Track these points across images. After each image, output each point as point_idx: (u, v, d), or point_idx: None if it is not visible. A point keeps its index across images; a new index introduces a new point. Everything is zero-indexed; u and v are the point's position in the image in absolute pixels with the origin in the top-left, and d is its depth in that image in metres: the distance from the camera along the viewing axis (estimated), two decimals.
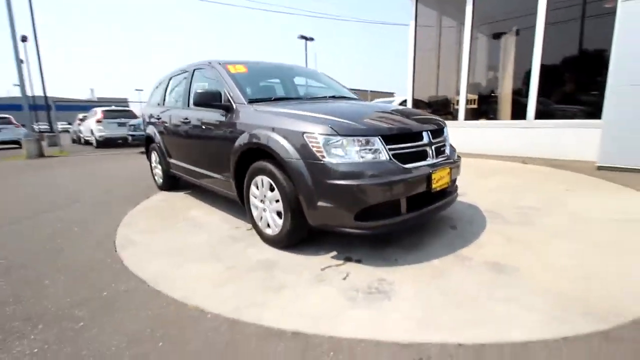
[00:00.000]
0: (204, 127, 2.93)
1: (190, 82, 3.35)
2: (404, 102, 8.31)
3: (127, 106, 21.07)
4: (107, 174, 6.08)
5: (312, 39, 26.47)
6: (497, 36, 6.54)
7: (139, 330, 1.52)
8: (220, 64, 2.98)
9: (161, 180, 4.31)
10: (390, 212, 2.01)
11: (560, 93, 5.72)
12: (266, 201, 2.36)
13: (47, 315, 1.66)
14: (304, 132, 2.01)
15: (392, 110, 2.56)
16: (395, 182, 1.95)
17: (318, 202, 1.98)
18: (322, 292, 1.78)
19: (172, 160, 3.85)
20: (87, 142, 13.57)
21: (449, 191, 2.45)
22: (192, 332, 1.49)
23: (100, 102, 34.81)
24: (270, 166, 2.22)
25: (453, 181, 2.47)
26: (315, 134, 1.97)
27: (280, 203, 2.20)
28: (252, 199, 2.50)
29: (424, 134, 2.24)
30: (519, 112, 6.03)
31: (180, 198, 3.95)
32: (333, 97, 3.10)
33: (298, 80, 3.37)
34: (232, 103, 2.61)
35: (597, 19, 5.21)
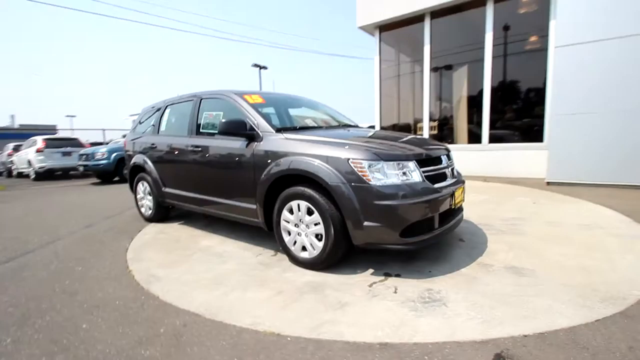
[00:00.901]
0: (222, 155, 2.96)
1: (198, 110, 3.36)
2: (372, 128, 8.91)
3: (56, 133, 19.22)
4: (72, 207, 5.53)
5: (265, 68, 27.02)
6: (449, 68, 7.46)
7: None
8: (236, 94, 3.07)
9: (150, 212, 4.10)
10: (427, 227, 2.25)
11: (508, 120, 6.67)
12: (302, 225, 2.45)
13: (115, 358, 1.56)
14: (349, 159, 2.19)
15: (405, 138, 2.87)
16: (431, 200, 2.21)
17: (364, 222, 2.15)
18: (383, 306, 1.92)
19: (169, 190, 3.73)
20: (21, 175, 12.07)
21: (460, 208, 2.78)
22: (283, 356, 1.53)
23: (23, 129, 31.22)
24: (309, 191, 2.34)
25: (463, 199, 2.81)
26: (361, 160, 2.17)
27: (321, 226, 2.32)
28: (284, 224, 2.57)
29: (442, 157, 2.57)
30: (474, 137, 6.87)
31: (177, 229, 3.79)
32: (345, 125, 3.35)
33: (307, 110, 3.57)
34: (258, 132, 2.71)
35: (533, 55, 6.29)
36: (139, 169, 4.17)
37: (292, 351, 1.56)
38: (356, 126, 3.53)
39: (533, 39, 6.17)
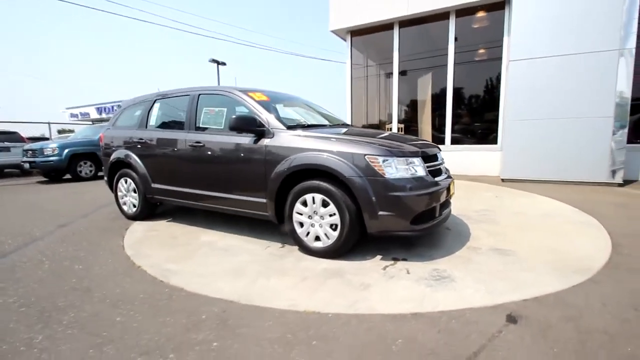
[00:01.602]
0: (229, 150, 3.00)
1: (197, 106, 3.34)
2: None
3: None
4: (30, 207, 5.03)
5: (224, 64, 26.26)
6: (415, 74, 8.04)
7: (280, 336, 1.64)
8: (241, 91, 3.13)
9: (135, 209, 3.94)
10: (430, 216, 2.55)
11: (466, 124, 7.39)
12: (315, 216, 2.62)
13: (168, 344, 1.60)
14: (365, 154, 2.41)
15: (404, 136, 3.15)
16: (434, 192, 2.51)
17: (379, 212, 2.38)
18: (402, 285, 2.16)
19: (158, 186, 3.63)
20: None
21: (450, 200, 3.14)
22: (330, 330, 1.69)
23: None
24: (325, 184, 2.52)
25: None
26: (376, 155, 2.39)
27: (336, 216, 2.51)
28: (297, 216, 2.70)
29: (438, 155, 2.90)
30: (438, 139, 7.50)
31: (167, 226, 3.71)
32: (344, 124, 3.56)
33: (303, 108, 3.70)
34: (269, 128, 2.81)
35: (489, 66, 7.05)
36: (121, 164, 3.99)
37: (337, 325, 1.73)
38: (351, 125, 3.77)
39: (489, 51, 6.93)
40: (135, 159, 3.77)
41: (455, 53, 7.01)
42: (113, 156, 4.02)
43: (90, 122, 29.82)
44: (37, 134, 15.02)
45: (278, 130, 2.80)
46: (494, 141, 6.84)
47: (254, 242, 3.09)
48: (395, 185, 2.36)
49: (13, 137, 10.24)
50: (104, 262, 2.69)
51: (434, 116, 7.68)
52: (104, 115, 29.38)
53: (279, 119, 2.90)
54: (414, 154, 2.53)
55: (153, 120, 3.77)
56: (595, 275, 2.22)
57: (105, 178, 4.28)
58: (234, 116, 2.80)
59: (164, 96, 3.75)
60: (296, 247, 2.88)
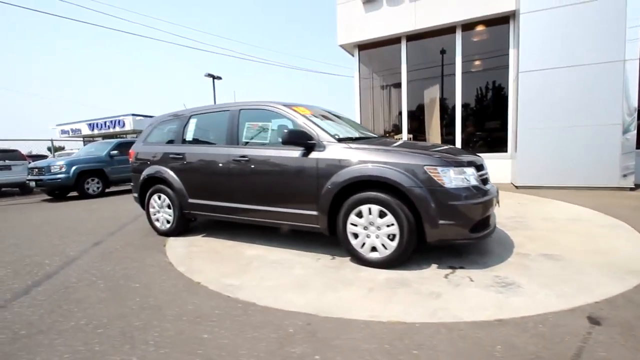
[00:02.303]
0: (278, 164, 3.04)
1: (238, 121, 3.38)
2: None
3: None
4: (50, 227, 4.92)
5: (219, 78, 26.44)
6: (421, 85, 8.26)
7: (378, 347, 1.65)
8: (285, 106, 3.19)
9: (169, 225, 3.91)
10: (485, 224, 2.62)
11: (476, 134, 7.59)
12: (371, 227, 2.66)
13: (272, 359, 1.60)
14: (424, 165, 2.48)
15: (450, 147, 3.24)
16: (489, 200, 2.59)
17: (439, 221, 2.44)
18: (472, 292, 2.21)
19: (196, 201, 3.63)
20: None
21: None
22: (424, 339, 1.72)
23: None
24: (383, 195, 2.57)
25: None
26: (435, 166, 2.47)
27: (395, 226, 2.55)
28: (351, 227, 2.74)
29: (483, 164, 2.99)
30: None
31: (205, 241, 3.68)
32: (381, 136, 3.65)
33: (339, 122, 3.77)
34: (320, 141, 2.87)
35: (496, 77, 7.30)
36: (154, 180, 3.97)
37: (430, 334, 1.76)
38: (386, 136, 3.85)
39: (496, 63, 7.19)
40: (171, 174, 3.77)
41: (462, 65, 7.25)
42: (145, 172, 4.00)
43: (82, 139, 29.51)
44: (25, 151, 14.71)
45: (329, 143, 2.86)
46: (503, 149, 7.04)
47: (303, 255, 3.10)
48: (454, 194, 2.44)
49: (13, 155, 10.03)
50: (159, 279, 2.66)
51: (442, 126, 7.87)
52: (95, 132, 29.05)
53: (328, 132, 2.96)
54: (468, 164, 2.61)
55: (189, 136, 3.78)
56: None
57: (135, 194, 4.25)
58: (285, 130, 2.86)
59: (200, 112, 3.79)
60: (347, 259, 2.91)
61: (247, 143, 3.32)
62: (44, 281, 2.72)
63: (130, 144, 9.71)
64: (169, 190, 3.82)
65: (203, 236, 3.91)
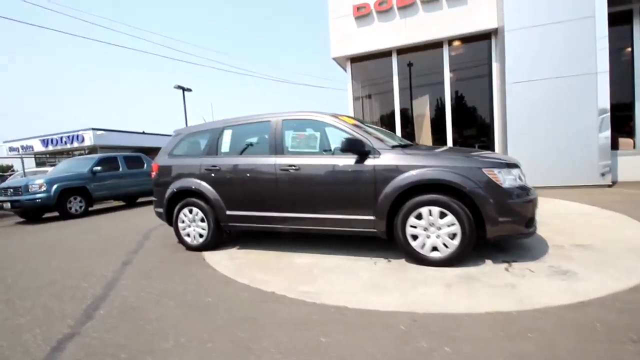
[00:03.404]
0: (332, 172, 3.11)
1: (282, 131, 3.43)
2: None
3: None
4: (55, 250, 4.54)
5: (189, 90, 25.78)
6: (412, 95, 8.73)
7: (493, 335, 1.79)
8: (332, 116, 3.30)
9: (202, 239, 3.80)
10: (533, 219, 2.87)
11: (464, 140, 8.14)
12: (431, 228, 2.82)
13: (416, 356, 1.67)
14: (482, 167, 2.70)
15: (487, 151, 3.50)
16: (536, 197, 2.86)
17: (499, 218, 2.66)
18: (539, 281, 2.42)
19: (235, 212, 3.59)
20: None
21: None
22: (532, 323, 1.88)
23: None
24: (443, 197, 2.75)
25: None
26: (492, 168, 2.70)
27: (456, 226, 2.73)
28: (410, 229, 2.88)
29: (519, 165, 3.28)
30: None
31: (246, 253, 3.63)
32: (416, 144, 3.84)
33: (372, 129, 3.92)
34: (375, 148, 3.00)
35: (482, 88, 7.91)
36: (185, 194, 3.86)
37: (531, 319, 1.92)
38: (417, 144, 4.07)
39: (481, 75, 7.82)
40: (206, 186, 3.69)
41: (450, 77, 7.80)
42: (175, 186, 3.88)
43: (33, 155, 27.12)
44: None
45: (383, 150, 3.01)
46: None
47: (357, 259, 3.17)
48: (511, 193, 2.67)
49: None
50: (229, 292, 2.61)
51: (433, 133, 8.34)
52: (50, 148, 27.02)
53: (381, 139, 3.11)
54: (516, 165, 2.87)
55: (225, 147, 3.74)
56: None
57: (159, 209, 4.08)
58: (344, 139, 2.96)
59: (234, 124, 3.77)
60: (402, 260, 3.03)
61: (293, 152, 3.37)
62: (100, 304, 2.55)
63: (113, 159, 9.23)
64: (202, 203, 3.73)
65: (238, 249, 3.85)
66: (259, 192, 3.47)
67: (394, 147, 3.07)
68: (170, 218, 4.01)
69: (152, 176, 4.16)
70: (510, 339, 1.74)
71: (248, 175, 3.50)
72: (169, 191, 3.93)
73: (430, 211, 2.80)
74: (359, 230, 3.10)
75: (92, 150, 24.81)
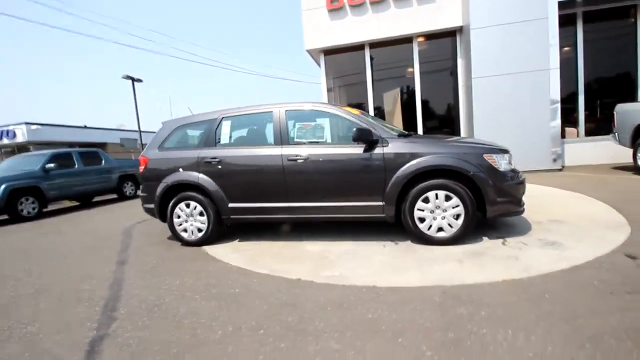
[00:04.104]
0: (342, 160, 3.20)
1: (286, 121, 3.43)
2: None
3: None
4: (36, 253, 4.09)
5: (140, 80, 23.98)
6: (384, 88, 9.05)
7: (518, 300, 2.03)
8: (336, 106, 3.38)
9: (200, 234, 3.69)
10: (522, 199, 3.22)
11: (432, 131, 8.64)
12: (437, 210, 3.04)
13: (470, 325, 1.84)
14: (482, 153, 2.96)
15: (476, 139, 3.80)
16: (524, 179, 3.20)
17: (497, 199, 2.95)
18: (536, 252, 2.74)
19: (238, 205, 3.54)
20: None
21: None
22: (551, 286, 2.16)
23: None
24: (448, 181, 2.98)
25: None
26: (490, 154, 2.97)
27: (460, 207, 2.98)
28: (418, 213, 3.08)
29: None
30: None
31: (251, 245, 3.60)
32: (411, 133, 4.06)
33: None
34: (383, 137, 3.14)
35: (447, 82, 8.43)
36: (181, 187, 3.70)
37: (542, 283, 2.20)
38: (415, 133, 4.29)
39: (447, 70, 8.33)
40: (205, 179, 3.58)
41: (420, 71, 8.22)
42: (168, 180, 3.70)
43: None
44: None
45: (391, 138, 3.16)
46: None
47: (365, 244, 3.31)
48: (507, 176, 2.98)
49: None
50: (252, 282, 2.61)
51: (404, 125, 8.74)
52: None
53: (387, 128, 3.25)
54: (507, 151, 3.19)
55: (225, 138, 3.64)
56: (631, 224, 3.19)
57: (150, 205, 3.86)
58: (355, 129, 3.06)
59: (233, 114, 3.67)
60: (408, 242, 3.24)
61: (300, 142, 3.39)
62: (115, 304, 2.41)
63: (67, 155, 8.41)
64: (200, 196, 3.62)
65: (239, 241, 3.80)
66: (264, 183, 3.45)
67: (399, 135, 3.24)
68: (163, 214, 3.83)
69: (140, 171, 3.92)
70: (532, 301, 1.99)
71: (252, 166, 3.46)
72: (161, 186, 3.74)
73: (436, 195, 3.02)
74: (368, 215, 3.24)
75: (22, 148, 22.24)
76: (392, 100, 8.90)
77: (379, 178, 3.12)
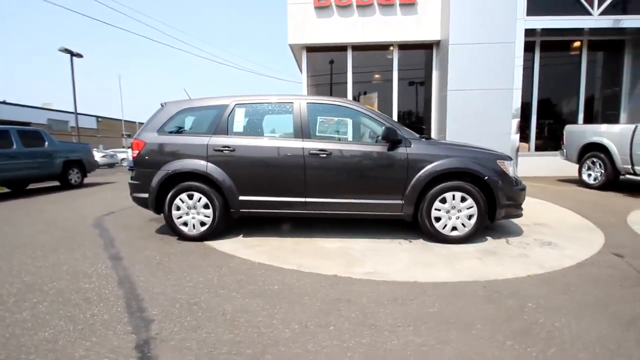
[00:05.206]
0: (366, 158, 3.22)
1: (307, 115, 3.34)
2: None
3: None
4: None
5: (80, 56, 21.33)
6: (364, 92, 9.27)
7: (549, 292, 2.25)
8: (359, 104, 3.39)
9: (204, 228, 3.42)
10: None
11: None
12: (453, 211, 3.22)
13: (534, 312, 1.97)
14: (496, 159, 3.21)
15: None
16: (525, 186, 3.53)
17: (505, 202, 3.22)
18: (538, 251, 3.05)
19: (250, 198, 3.36)
20: None
21: None
22: (567, 278, 2.41)
23: None
24: (465, 183, 3.17)
25: None
26: (502, 160, 3.23)
27: (474, 208, 3.19)
28: (435, 212, 3.23)
29: None
30: None
31: (260, 241, 3.43)
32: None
33: None
34: (406, 138, 3.23)
35: (422, 90, 8.91)
36: (184, 176, 3.40)
37: (560, 277, 2.46)
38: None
39: (422, 80, 8.81)
40: (214, 168, 3.33)
41: (399, 78, 8.58)
42: (170, 167, 3.37)
43: None
44: None
45: (413, 139, 3.26)
46: None
47: (381, 242, 3.36)
48: (514, 181, 3.26)
49: None
50: (288, 279, 2.50)
51: None
52: None
53: (408, 130, 3.35)
54: (511, 158, 3.49)
55: (239, 127, 3.42)
56: (605, 227, 3.71)
57: (144, 195, 3.47)
58: (384, 127, 3.11)
59: (249, 102, 3.47)
60: (420, 240, 3.37)
61: (321, 137, 3.33)
62: (141, 305, 2.12)
63: (4, 133, 7.16)
64: (206, 187, 3.36)
65: (243, 236, 3.60)
66: (281, 177, 3.32)
67: (420, 137, 3.36)
68: (159, 205, 3.47)
69: (134, 156, 3.50)
70: (564, 293, 2.22)
71: (270, 158, 3.31)
72: (161, 174, 3.39)
73: (453, 196, 3.19)
74: (387, 213, 3.30)
75: None
76: (370, 104, 9.15)
77: (401, 177, 3.20)
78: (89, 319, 1.95)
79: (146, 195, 3.48)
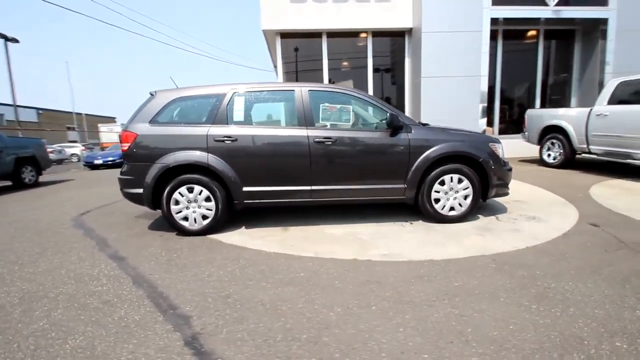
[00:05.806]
0: (371, 144, 3.29)
1: (310, 102, 3.32)
2: None
3: None
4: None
5: (16, 41, 18.94)
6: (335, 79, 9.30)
7: (550, 262, 2.50)
8: (361, 91, 3.42)
9: (205, 222, 3.32)
10: None
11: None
12: (450, 192, 3.42)
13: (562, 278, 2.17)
14: (489, 142, 3.43)
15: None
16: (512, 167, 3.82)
17: (495, 182, 3.48)
18: (527, 225, 3.35)
19: (254, 188, 3.31)
20: None
21: None
22: (564, 247, 2.69)
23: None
24: (462, 166, 3.37)
25: None
26: (494, 142, 3.47)
27: (470, 189, 3.42)
28: (434, 194, 3.40)
29: None
30: None
31: (267, 232, 3.40)
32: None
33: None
34: (407, 124, 3.34)
35: (396, 77, 9.13)
36: (183, 169, 3.25)
37: (554, 246, 2.74)
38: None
39: (396, 67, 9.01)
40: (216, 160, 3.22)
41: (373, 65, 8.71)
42: (168, 160, 3.20)
43: None
44: None
45: (413, 125, 3.38)
46: None
47: (385, 225, 3.48)
48: (504, 162, 3.53)
49: None
50: (310, 266, 2.53)
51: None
52: None
53: (407, 116, 3.46)
54: (499, 141, 3.75)
55: (239, 116, 3.31)
56: (574, 201, 4.14)
57: (136, 190, 3.27)
58: (389, 114, 3.19)
59: (247, 90, 3.36)
60: (419, 221, 3.55)
61: (325, 125, 3.34)
62: (171, 302, 2.05)
63: None
64: (207, 179, 3.25)
65: (246, 228, 3.54)
66: (286, 166, 3.30)
67: (419, 123, 3.49)
68: (155, 200, 3.30)
69: (124, 149, 3.27)
70: (562, 260, 2.49)
71: (274, 147, 3.27)
72: (158, 167, 3.21)
73: (451, 178, 3.39)
74: (390, 197, 3.43)
75: None
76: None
77: (404, 162, 3.32)
78: (119, 322, 1.85)
79: (140, 190, 3.28)
